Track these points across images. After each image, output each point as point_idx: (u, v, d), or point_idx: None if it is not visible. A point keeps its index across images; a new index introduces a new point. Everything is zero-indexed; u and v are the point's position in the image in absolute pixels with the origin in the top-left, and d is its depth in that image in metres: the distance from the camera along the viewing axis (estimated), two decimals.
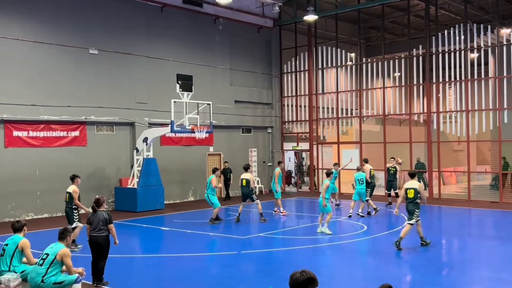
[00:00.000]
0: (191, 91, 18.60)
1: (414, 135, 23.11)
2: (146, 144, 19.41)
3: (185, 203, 21.74)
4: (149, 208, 19.11)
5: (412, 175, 12.60)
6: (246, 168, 17.02)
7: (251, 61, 25.51)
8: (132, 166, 20.07)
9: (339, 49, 25.14)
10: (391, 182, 19.60)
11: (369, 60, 25.46)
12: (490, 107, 21.12)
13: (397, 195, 19.40)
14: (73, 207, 12.38)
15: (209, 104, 19.31)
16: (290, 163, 29.30)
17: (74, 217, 12.36)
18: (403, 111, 23.89)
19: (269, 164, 26.36)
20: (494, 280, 9.85)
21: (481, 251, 12.52)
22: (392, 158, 19.96)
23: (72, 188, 12.40)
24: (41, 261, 8.14)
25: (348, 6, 24.82)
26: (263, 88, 26.27)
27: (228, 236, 14.42)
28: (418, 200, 12.19)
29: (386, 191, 20.19)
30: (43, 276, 8.00)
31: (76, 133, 19.17)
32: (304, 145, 26.55)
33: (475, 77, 21.64)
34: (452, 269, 10.94)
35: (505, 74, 20.63)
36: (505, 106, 20.53)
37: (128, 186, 19.63)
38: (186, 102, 18.42)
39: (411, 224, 12.20)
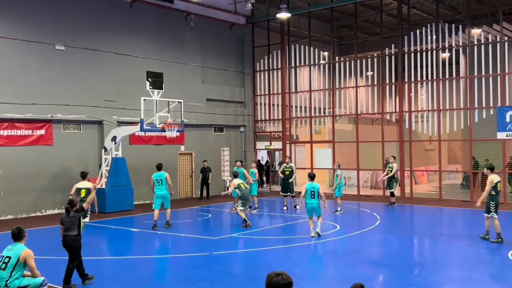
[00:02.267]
0: (162, 89, 18.20)
1: (386, 134, 23.16)
2: (115, 143, 18.94)
3: None
4: (118, 209, 18.64)
5: (492, 169, 13.21)
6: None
7: (223, 58, 25.20)
8: (100, 166, 19.56)
9: (312, 48, 25.05)
10: (391, 181, 19.23)
11: (341, 59, 25.44)
12: (461, 107, 21.29)
13: (392, 194, 19.41)
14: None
15: (180, 102, 18.95)
16: (263, 162, 29.10)
17: (88, 212, 12.86)
18: (376, 110, 23.94)
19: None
20: (465, 279, 9.84)
21: (452, 250, 12.52)
22: (392, 156, 19.71)
23: (90, 184, 13.05)
24: (3, 265, 7.70)
25: (321, 4, 24.73)
26: (235, 86, 25.99)
27: (200, 237, 14.14)
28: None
29: (388, 189, 19.86)
30: (7, 280, 7.60)
31: (42, 131, 18.55)
32: (277, 144, 26.39)
33: (447, 76, 21.79)
34: (424, 268, 10.89)
35: (475, 73, 20.82)
36: (476, 105, 20.71)
37: (96, 187, 19.09)
38: (156, 100, 18.03)
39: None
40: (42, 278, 7.89)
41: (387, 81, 23.24)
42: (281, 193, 19.55)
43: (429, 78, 21.95)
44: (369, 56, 24.33)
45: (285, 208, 18.96)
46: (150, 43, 21.88)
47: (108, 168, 19.00)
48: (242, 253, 12.20)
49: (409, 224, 17.36)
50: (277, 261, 11.23)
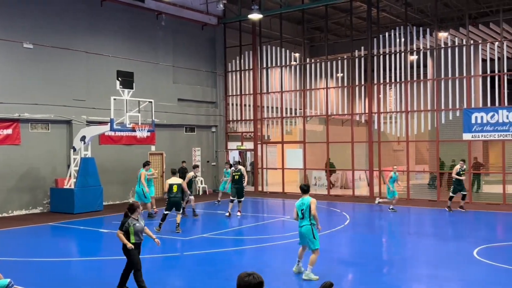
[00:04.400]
0: (132, 88, 18.05)
1: (356, 135, 23.49)
2: (84, 143, 18.68)
3: (126, 204, 20.91)
4: (87, 209, 18.38)
5: None
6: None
7: (195, 58, 25.13)
8: (68, 166, 19.26)
9: (283, 49, 25.21)
10: (458, 185, 18.01)
11: (312, 60, 25.66)
12: (428, 108, 21.73)
13: (464, 197, 18.19)
14: (181, 196, 14.82)
15: (151, 102, 18.82)
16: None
17: (182, 204, 15.08)
18: (346, 111, 24.24)
19: (213, 164, 26.06)
20: (432, 277, 10.07)
21: (420, 248, 12.78)
22: (462, 160, 18.52)
23: (180, 181, 14.83)
24: None
25: (292, 6, 24.93)
26: (207, 86, 25.95)
27: (171, 238, 14.06)
28: None
29: (451, 194, 18.31)
30: None
31: (9, 131, 18.15)
32: (249, 145, 26.45)
33: (415, 78, 22.21)
34: (392, 267, 11.10)
35: (442, 76, 21.29)
36: (443, 107, 21.19)
37: (65, 187, 18.81)
38: (126, 100, 17.86)
39: None
40: (8, 280, 7.76)
41: (357, 83, 23.55)
42: (231, 197, 17.69)
43: (398, 80, 22.35)
44: (339, 58, 24.63)
45: (227, 214, 17.37)
46: (121, 42, 21.67)
47: (77, 168, 18.72)
48: (214, 253, 12.19)
49: (378, 223, 17.64)
50: (248, 261, 11.27)
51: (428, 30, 21.80)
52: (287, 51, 25.26)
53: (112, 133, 20.65)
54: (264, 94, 25.80)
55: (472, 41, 21.20)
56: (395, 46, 22.30)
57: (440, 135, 21.40)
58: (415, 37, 21.95)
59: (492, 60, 20.38)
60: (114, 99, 17.60)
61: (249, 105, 26.21)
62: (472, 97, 20.73)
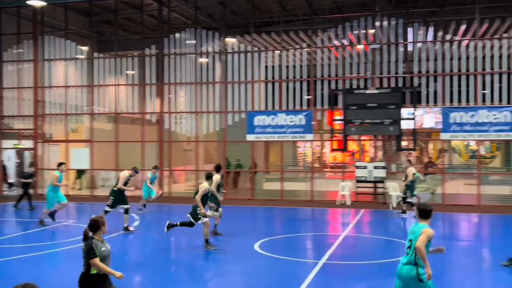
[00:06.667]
0: None
1: (147, 135, 23.17)
2: None
3: None
4: None
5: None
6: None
7: None
8: None
9: (69, 41, 23.60)
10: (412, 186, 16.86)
11: (101, 55, 24.51)
12: (216, 110, 22.53)
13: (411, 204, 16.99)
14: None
15: None
16: (10, 163, 26.22)
17: (198, 213, 12.22)
18: (136, 110, 23.73)
19: None
20: (217, 273, 10.34)
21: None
22: (408, 160, 17.79)
23: (202, 186, 12.30)
24: None
25: None
26: None
27: None
28: None
29: (403, 196, 17.18)
30: None
31: None
32: (27, 143, 24.06)
33: (204, 81, 22.83)
34: (180, 265, 11.10)
35: (229, 79, 22.30)
36: (230, 109, 22.19)
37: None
38: None
39: None
40: None
41: (148, 82, 23.26)
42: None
43: (188, 81, 22.71)
44: (129, 55, 24.01)
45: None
46: None
47: None
48: None
49: (163, 223, 17.59)
50: (24, 271, 10.18)
51: (216, 34, 22.61)
52: (73, 43, 23.68)
53: None
54: (46, 89, 23.78)
55: (256, 48, 22.62)
56: (185, 47, 22.61)
57: (227, 135, 22.37)
58: (204, 40, 22.58)
59: (273, 67, 22.08)
60: None
61: (28, 100, 23.87)
62: (255, 101, 22.13)
